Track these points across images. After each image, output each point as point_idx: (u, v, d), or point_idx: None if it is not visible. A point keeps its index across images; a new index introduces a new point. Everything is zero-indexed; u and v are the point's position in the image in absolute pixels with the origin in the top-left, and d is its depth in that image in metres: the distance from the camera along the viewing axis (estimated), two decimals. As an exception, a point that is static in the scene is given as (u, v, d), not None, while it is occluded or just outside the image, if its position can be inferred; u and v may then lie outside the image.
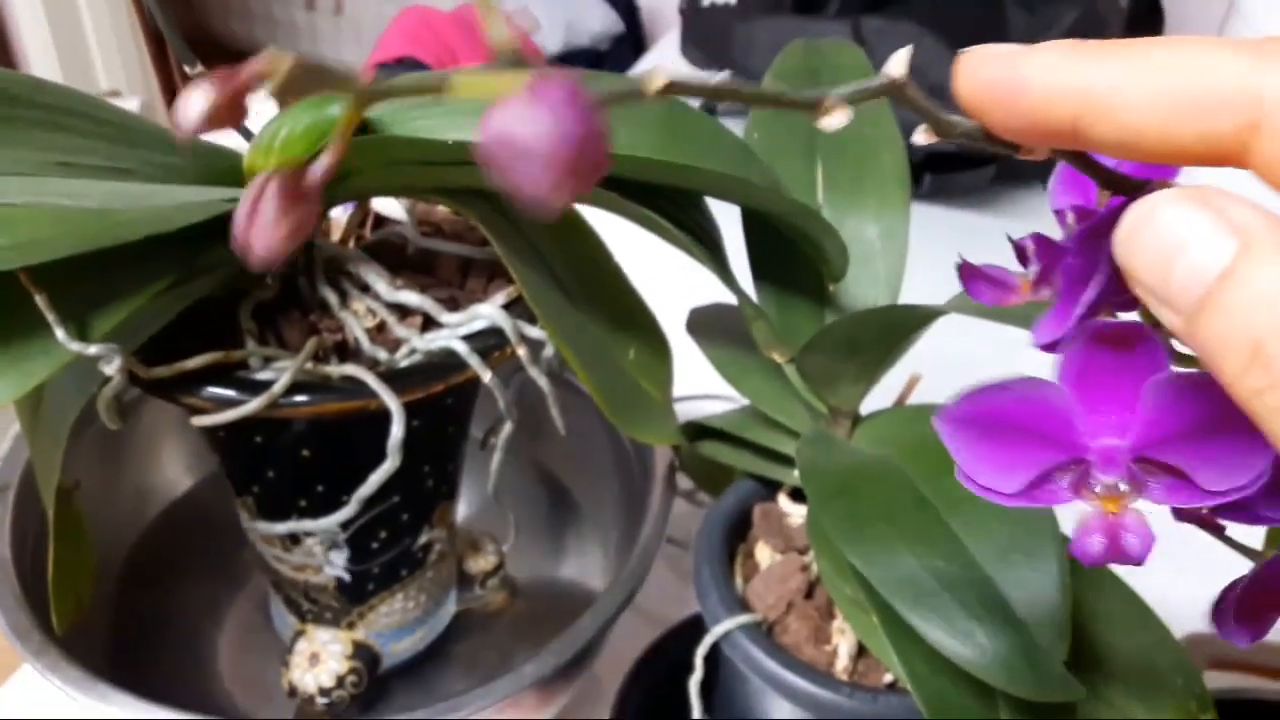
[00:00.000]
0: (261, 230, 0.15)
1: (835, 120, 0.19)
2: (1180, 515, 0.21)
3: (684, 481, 0.54)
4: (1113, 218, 0.18)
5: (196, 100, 0.14)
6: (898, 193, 0.39)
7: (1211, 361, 0.17)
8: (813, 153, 0.40)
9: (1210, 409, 0.18)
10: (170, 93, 1.84)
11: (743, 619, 0.37)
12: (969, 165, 0.96)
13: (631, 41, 1.68)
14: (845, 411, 0.38)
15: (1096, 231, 0.19)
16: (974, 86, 0.20)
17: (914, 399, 0.41)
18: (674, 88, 0.16)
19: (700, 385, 0.52)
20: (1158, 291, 0.18)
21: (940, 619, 0.28)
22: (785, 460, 0.41)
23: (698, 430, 0.46)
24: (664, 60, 1.19)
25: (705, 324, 0.45)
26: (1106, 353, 0.19)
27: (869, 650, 0.37)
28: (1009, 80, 0.19)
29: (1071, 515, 0.21)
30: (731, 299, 0.42)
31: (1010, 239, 0.22)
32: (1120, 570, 0.36)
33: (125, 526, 0.57)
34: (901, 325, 0.33)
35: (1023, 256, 0.22)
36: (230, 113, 0.15)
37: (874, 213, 0.39)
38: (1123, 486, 0.19)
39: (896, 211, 0.39)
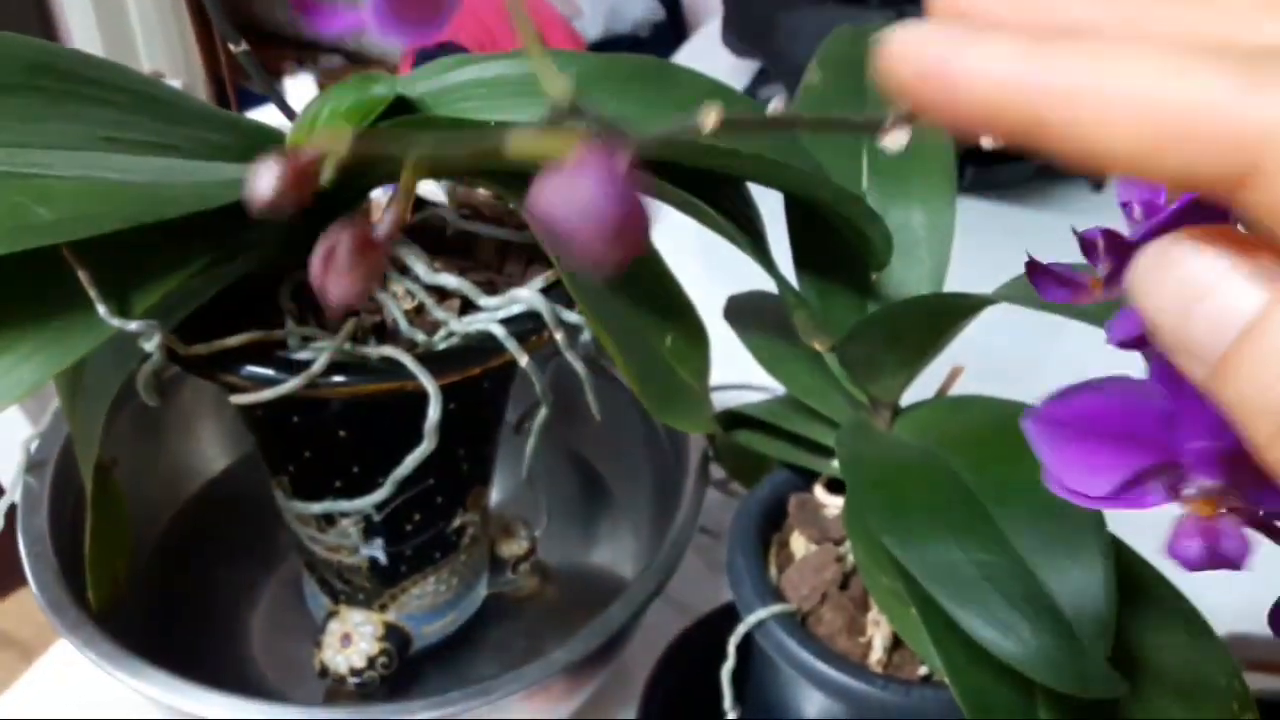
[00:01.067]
0: (336, 278, 0.17)
1: (896, 139, 0.19)
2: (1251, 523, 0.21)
3: (717, 471, 0.54)
4: (1183, 215, 0.17)
5: (265, 178, 0.16)
6: (943, 181, 0.39)
7: (1237, 423, 0.15)
8: (858, 140, 0.40)
9: None
10: (213, 75, 1.85)
11: (777, 608, 0.37)
12: (1011, 158, 0.95)
13: (672, 29, 1.67)
14: (886, 402, 0.37)
15: (1166, 230, 0.19)
16: (908, 74, 0.16)
17: (955, 391, 0.40)
18: (730, 124, 0.16)
19: (736, 375, 0.51)
20: (1176, 338, 0.16)
21: (982, 611, 0.28)
22: (823, 450, 0.41)
23: (733, 419, 0.45)
24: (704, 48, 1.18)
25: (743, 312, 0.45)
26: None
27: (905, 643, 0.37)
28: (949, 71, 0.16)
29: (1123, 517, 0.21)
30: (771, 288, 0.41)
31: (1075, 232, 0.21)
32: (1165, 569, 0.35)
33: (161, 505, 0.58)
34: (947, 313, 0.32)
35: (1089, 250, 0.21)
36: (298, 190, 0.16)
37: (919, 200, 0.39)
38: (1218, 489, 0.18)
39: (942, 199, 0.38)
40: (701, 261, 0.48)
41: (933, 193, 0.39)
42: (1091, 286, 0.21)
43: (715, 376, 0.44)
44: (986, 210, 0.95)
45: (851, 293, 0.39)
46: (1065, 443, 0.19)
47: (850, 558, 0.39)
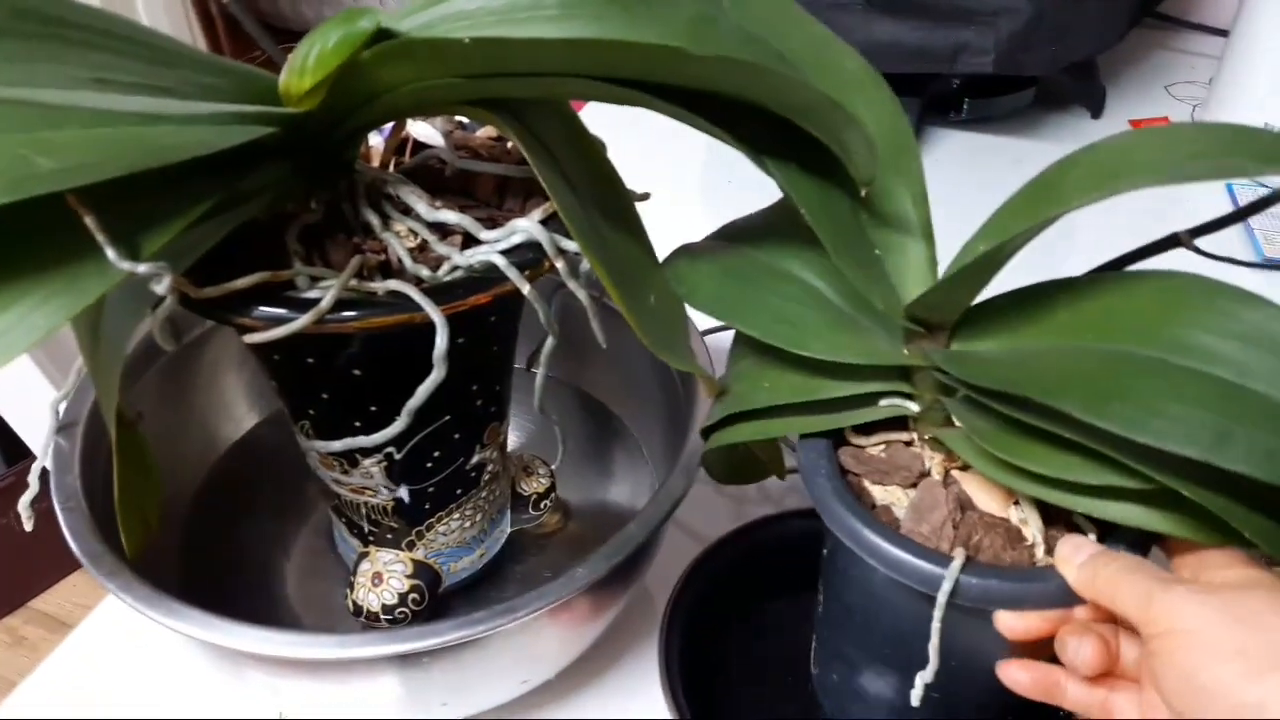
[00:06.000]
0: None
1: None
2: None
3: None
4: None
5: None
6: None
7: None
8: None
9: None
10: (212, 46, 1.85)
11: (957, 563, 0.36)
12: (1008, 89, 0.95)
13: None
14: (942, 324, 0.38)
15: None
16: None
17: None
18: None
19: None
20: None
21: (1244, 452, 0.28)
22: (831, 406, 0.40)
23: (722, 424, 0.44)
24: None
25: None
26: None
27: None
28: None
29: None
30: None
31: None
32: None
33: (193, 464, 0.60)
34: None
35: None
36: None
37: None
38: None
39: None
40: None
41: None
42: None
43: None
44: (987, 143, 0.94)
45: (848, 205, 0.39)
46: None
47: (956, 487, 0.39)
